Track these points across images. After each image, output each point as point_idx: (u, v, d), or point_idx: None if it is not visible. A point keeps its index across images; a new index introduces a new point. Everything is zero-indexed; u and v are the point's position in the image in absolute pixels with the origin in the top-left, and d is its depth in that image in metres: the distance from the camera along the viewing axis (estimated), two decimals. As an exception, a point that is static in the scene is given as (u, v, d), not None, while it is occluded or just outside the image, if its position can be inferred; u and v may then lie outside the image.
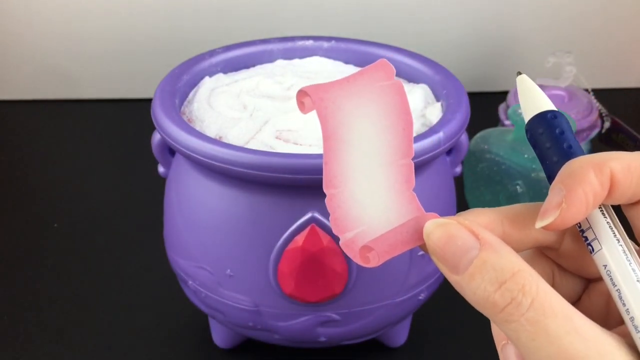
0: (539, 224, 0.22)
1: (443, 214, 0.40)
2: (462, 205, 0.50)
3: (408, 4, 0.74)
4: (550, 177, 0.23)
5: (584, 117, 0.61)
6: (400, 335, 0.45)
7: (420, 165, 0.36)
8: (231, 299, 0.38)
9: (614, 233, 0.22)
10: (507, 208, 0.24)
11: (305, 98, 0.23)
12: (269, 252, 0.36)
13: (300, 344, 0.41)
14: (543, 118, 0.24)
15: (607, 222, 0.23)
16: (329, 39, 0.47)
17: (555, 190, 0.22)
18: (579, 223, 0.23)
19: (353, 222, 0.23)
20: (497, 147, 0.53)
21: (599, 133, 0.63)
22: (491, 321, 0.22)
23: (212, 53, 0.45)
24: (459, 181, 0.50)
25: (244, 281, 0.38)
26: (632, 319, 0.21)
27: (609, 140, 0.65)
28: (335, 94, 0.23)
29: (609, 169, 0.22)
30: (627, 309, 0.21)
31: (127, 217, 0.58)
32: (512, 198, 0.52)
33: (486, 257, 0.21)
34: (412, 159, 0.24)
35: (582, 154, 0.23)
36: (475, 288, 0.21)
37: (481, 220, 0.23)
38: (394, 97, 0.24)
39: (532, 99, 0.25)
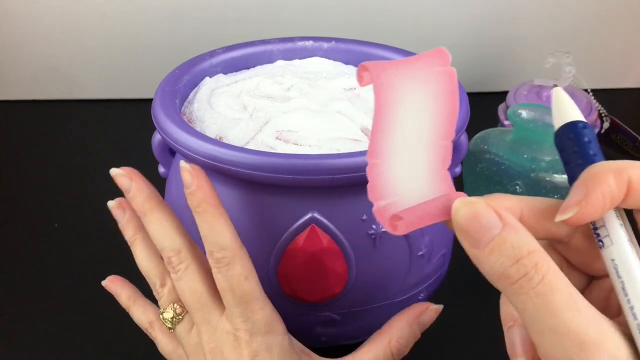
0: (559, 218, 0.24)
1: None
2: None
3: (408, 5, 0.74)
4: (572, 178, 0.25)
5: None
6: (399, 335, 0.45)
7: (420, 166, 0.36)
8: (231, 298, 0.38)
9: (625, 232, 0.25)
10: (528, 198, 0.26)
11: (364, 72, 0.24)
12: (269, 252, 0.36)
13: (300, 343, 0.41)
14: (575, 126, 0.26)
15: (620, 224, 0.25)
16: (328, 39, 0.47)
17: (577, 190, 0.24)
18: (594, 221, 0.25)
19: (388, 191, 0.25)
20: (496, 147, 0.53)
21: (598, 133, 0.63)
22: (501, 300, 0.24)
23: (212, 54, 0.45)
24: (458, 181, 0.50)
25: (244, 281, 0.38)
26: (631, 307, 0.23)
27: (607, 140, 0.65)
28: (392, 73, 0.24)
29: (627, 176, 0.24)
30: (628, 298, 0.23)
31: (127, 217, 0.58)
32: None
33: (507, 236, 0.23)
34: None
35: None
36: (493, 262, 0.23)
37: (504, 204, 0.25)
38: (445, 83, 0.25)
39: (565, 109, 0.27)
